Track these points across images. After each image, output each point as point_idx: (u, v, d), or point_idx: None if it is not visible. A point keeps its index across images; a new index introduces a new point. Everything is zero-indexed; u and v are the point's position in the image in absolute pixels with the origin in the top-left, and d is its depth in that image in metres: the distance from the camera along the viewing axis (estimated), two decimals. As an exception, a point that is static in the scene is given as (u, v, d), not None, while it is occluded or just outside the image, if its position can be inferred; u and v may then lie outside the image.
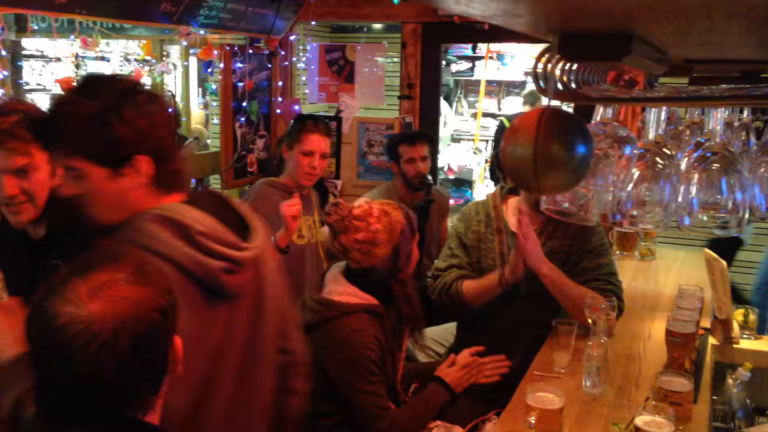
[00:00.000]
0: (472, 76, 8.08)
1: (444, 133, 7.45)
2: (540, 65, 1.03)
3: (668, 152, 1.35)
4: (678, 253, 4.13)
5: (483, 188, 7.71)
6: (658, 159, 1.33)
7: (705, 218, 1.30)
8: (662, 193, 1.30)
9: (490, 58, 7.79)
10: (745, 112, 1.69)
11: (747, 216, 1.30)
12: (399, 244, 2.34)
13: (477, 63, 7.99)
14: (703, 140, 1.39)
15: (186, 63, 6.27)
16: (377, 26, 6.51)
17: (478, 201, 3.10)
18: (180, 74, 6.87)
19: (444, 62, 7.66)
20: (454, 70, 8.13)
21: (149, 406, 1.19)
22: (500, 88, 8.17)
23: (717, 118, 1.34)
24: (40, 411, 1.19)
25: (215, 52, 3.87)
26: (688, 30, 0.84)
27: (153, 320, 1.13)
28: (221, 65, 4.08)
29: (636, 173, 1.31)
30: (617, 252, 3.93)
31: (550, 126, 0.95)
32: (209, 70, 4.91)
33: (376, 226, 2.33)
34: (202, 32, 3.69)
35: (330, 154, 3.46)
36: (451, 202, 7.45)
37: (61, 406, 1.14)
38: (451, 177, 7.83)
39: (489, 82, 7.92)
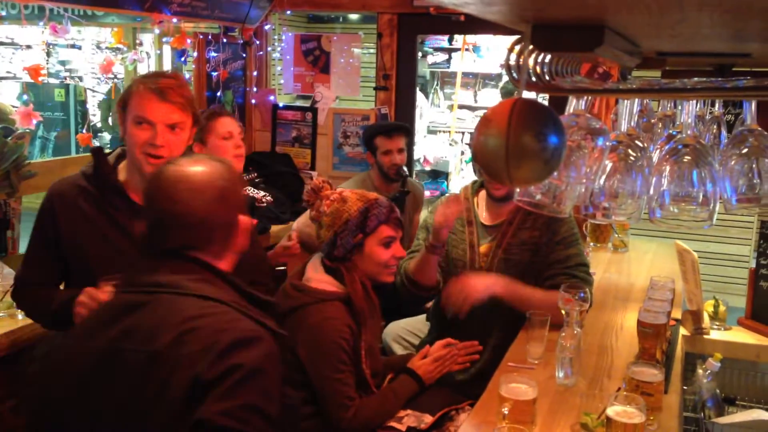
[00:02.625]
0: (448, 67, 8.07)
1: (420, 124, 7.44)
2: (513, 56, 1.03)
3: (640, 144, 1.35)
4: (650, 244, 4.18)
5: (459, 180, 7.72)
6: (630, 151, 1.33)
7: (676, 210, 1.31)
8: (634, 185, 1.31)
9: (467, 50, 7.78)
10: (717, 106, 1.71)
11: (717, 208, 1.31)
12: (339, 233, 2.35)
13: (453, 55, 7.99)
14: (674, 133, 1.40)
15: (159, 51, 6.18)
16: (353, 17, 6.48)
17: (451, 194, 3.12)
18: (154, 63, 6.79)
19: (420, 54, 7.64)
20: (430, 62, 8.11)
21: (221, 255, 1.56)
22: (476, 80, 8.17)
23: (688, 110, 1.35)
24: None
25: (188, 41, 3.82)
26: (659, 21, 0.84)
27: (233, 182, 1.58)
28: (195, 54, 4.03)
29: (608, 165, 1.31)
30: (591, 244, 3.96)
31: (521, 117, 0.94)
32: (182, 59, 4.85)
33: (324, 208, 2.38)
34: (174, 20, 3.64)
35: (293, 143, 3.33)
36: (427, 193, 7.47)
37: (156, 244, 1.52)
38: (428, 168, 7.83)
39: (465, 74, 7.92)
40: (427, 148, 7.75)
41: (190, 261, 1.52)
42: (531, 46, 0.95)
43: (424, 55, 7.98)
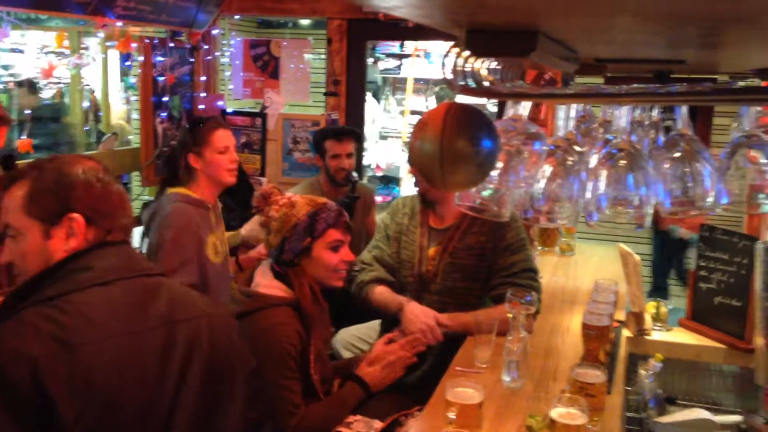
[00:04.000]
0: (399, 73, 8.11)
1: (372, 130, 7.46)
2: (450, 61, 1.04)
3: (578, 149, 1.38)
4: (597, 248, 4.25)
5: (410, 185, 7.76)
6: (567, 156, 1.36)
7: (612, 213, 1.34)
8: (571, 189, 1.33)
9: (417, 56, 7.83)
10: (655, 112, 1.75)
11: (651, 212, 1.35)
12: (287, 237, 2.35)
13: (404, 61, 8.03)
14: (611, 138, 1.43)
15: (103, 56, 6.06)
16: (304, 22, 6.46)
17: (408, 195, 3.15)
18: (100, 67, 6.65)
19: (372, 60, 7.66)
20: (381, 68, 8.14)
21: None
22: (427, 86, 8.22)
23: (622, 115, 1.38)
24: None
25: (133, 45, 3.76)
26: (591, 26, 0.86)
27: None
28: (141, 58, 3.96)
29: (548, 169, 1.33)
30: (539, 248, 4.01)
31: (455, 121, 0.95)
32: (127, 63, 4.77)
33: (273, 213, 2.38)
34: (119, 24, 3.57)
35: (250, 150, 3.35)
36: (379, 199, 7.47)
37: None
38: (379, 174, 7.85)
39: (416, 80, 7.97)
40: (378, 154, 7.77)
41: (126, 244, 1.63)
42: (469, 52, 0.96)
43: (376, 61, 8.00)
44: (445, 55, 1.05)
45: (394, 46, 7.95)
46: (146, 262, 1.67)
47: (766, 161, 1.47)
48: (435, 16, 0.88)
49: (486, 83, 1.07)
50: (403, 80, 8.06)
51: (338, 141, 3.85)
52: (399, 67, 8.11)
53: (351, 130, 4.07)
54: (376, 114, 7.79)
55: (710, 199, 1.37)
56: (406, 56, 7.95)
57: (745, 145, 1.50)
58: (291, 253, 2.36)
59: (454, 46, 1.02)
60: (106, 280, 1.50)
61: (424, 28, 1.16)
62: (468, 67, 1.01)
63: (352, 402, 2.42)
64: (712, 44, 1.14)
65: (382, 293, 2.91)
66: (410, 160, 1.08)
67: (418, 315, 2.73)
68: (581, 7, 0.78)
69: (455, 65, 1.02)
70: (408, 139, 7.91)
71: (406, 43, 7.75)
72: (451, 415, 1.97)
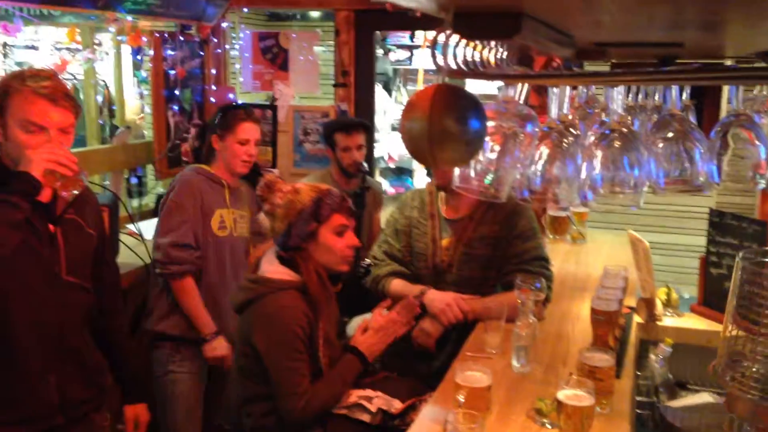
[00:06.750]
0: (410, 64, 8.10)
1: (384, 121, 7.46)
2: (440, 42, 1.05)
3: (574, 131, 1.39)
4: (607, 236, 4.25)
5: (423, 176, 7.76)
6: (562, 138, 1.37)
7: (607, 194, 1.35)
8: (566, 170, 1.34)
9: (428, 46, 7.82)
10: (657, 96, 1.75)
11: (644, 191, 1.36)
12: (293, 223, 2.37)
13: (415, 52, 8.02)
14: (607, 120, 1.44)
15: (116, 50, 6.11)
16: (312, 14, 6.47)
17: (416, 189, 3.18)
18: (113, 62, 6.69)
19: (383, 51, 7.66)
20: (393, 59, 8.13)
21: None
22: (438, 79, 8.23)
23: (614, 96, 1.39)
24: None
25: (144, 39, 3.79)
26: (570, 6, 0.86)
27: None
28: (151, 52, 4.00)
29: (545, 151, 1.35)
30: (550, 236, 4.01)
31: (443, 101, 0.97)
32: (138, 57, 4.80)
33: (278, 200, 2.40)
34: (129, 18, 3.61)
35: (261, 142, 3.44)
36: (392, 190, 7.49)
37: None
38: (392, 165, 7.85)
39: (427, 71, 7.95)
40: (390, 145, 7.77)
41: None
42: (457, 35, 0.97)
43: (387, 52, 7.99)
44: (433, 39, 1.07)
45: (404, 37, 7.94)
46: None
47: (757, 140, 1.47)
48: (422, 0, 0.89)
49: (477, 67, 1.08)
50: (415, 71, 8.05)
51: (348, 134, 3.86)
52: (410, 58, 8.10)
53: (359, 121, 4.07)
54: (387, 105, 7.79)
55: (702, 179, 1.38)
56: (417, 47, 7.94)
57: (735, 124, 1.51)
58: (297, 238, 2.39)
59: (441, 29, 1.04)
60: None
61: (432, 18, 1.18)
62: (460, 51, 1.03)
63: (351, 375, 2.43)
64: (710, 25, 1.15)
65: (399, 285, 2.93)
66: (402, 140, 1.10)
67: (439, 295, 2.79)
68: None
69: (444, 48, 1.04)
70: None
71: (417, 34, 7.73)
72: (461, 397, 2.00)
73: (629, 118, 1.46)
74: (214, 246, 3.17)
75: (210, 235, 3.15)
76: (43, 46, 7.12)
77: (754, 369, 1.35)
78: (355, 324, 3.44)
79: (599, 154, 1.33)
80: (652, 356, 2.65)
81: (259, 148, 3.41)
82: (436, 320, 2.79)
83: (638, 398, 2.58)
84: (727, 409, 1.49)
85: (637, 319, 2.88)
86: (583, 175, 1.33)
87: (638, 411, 2.54)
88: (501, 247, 2.87)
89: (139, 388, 2.60)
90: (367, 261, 3.68)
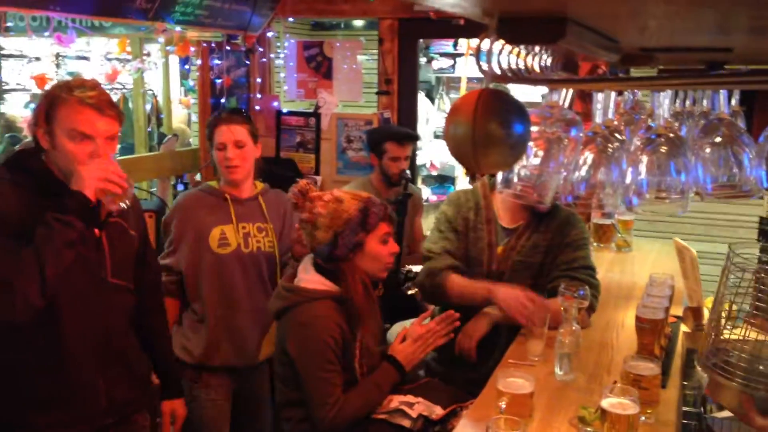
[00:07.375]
0: (453, 72, 8.10)
1: (426, 129, 7.47)
2: (485, 47, 1.06)
3: (619, 136, 1.38)
4: (654, 244, 4.19)
5: (465, 184, 7.74)
6: (607, 143, 1.36)
7: (652, 198, 1.34)
8: (611, 175, 1.34)
9: (471, 54, 7.81)
10: (705, 102, 1.73)
11: (690, 196, 1.34)
12: (341, 232, 2.34)
13: (458, 60, 8.01)
14: (653, 125, 1.42)
15: (163, 60, 6.24)
16: (356, 23, 6.52)
17: (466, 189, 3.07)
18: (161, 72, 6.85)
19: (426, 59, 7.67)
20: (435, 67, 8.14)
21: None
22: (481, 85, 8.20)
23: (661, 102, 1.37)
24: None
25: (191, 49, 3.88)
26: (618, 11, 0.87)
27: None
28: (199, 62, 4.09)
29: (588, 156, 1.34)
30: (594, 244, 3.97)
31: (487, 105, 0.98)
32: (186, 66, 4.91)
33: (320, 210, 2.37)
34: (178, 29, 3.70)
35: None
36: (434, 198, 7.48)
37: None
38: (434, 173, 7.86)
39: (470, 79, 7.94)
40: (433, 153, 7.78)
41: None
42: (502, 40, 0.98)
43: (430, 60, 8.01)
44: (478, 44, 1.07)
45: (447, 45, 7.94)
46: None
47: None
48: (466, 6, 0.90)
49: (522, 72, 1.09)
50: (457, 79, 8.04)
51: (400, 144, 3.86)
52: (453, 66, 8.10)
53: (412, 134, 4.06)
54: (430, 113, 7.80)
55: (750, 184, 1.36)
56: (460, 55, 7.93)
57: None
58: (345, 249, 2.36)
59: (486, 35, 1.04)
60: None
61: (475, 25, 1.19)
62: (504, 58, 1.04)
63: (387, 384, 2.41)
64: (758, 30, 1.13)
65: (460, 279, 2.81)
66: (446, 145, 1.10)
67: (512, 295, 2.67)
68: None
69: (488, 54, 1.04)
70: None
71: (460, 41, 7.73)
72: (502, 404, 1.99)
73: (676, 123, 1.45)
74: (213, 265, 2.94)
75: (208, 254, 2.92)
76: (94, 56, 7.31)
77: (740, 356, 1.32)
78: (395, 331, 3.45)
79: (645, 159, 1.32)
80: (700, 366, 2.59)
81: (300, 155, 3.38)
82: (478, 322, 2.76)
83: (685, 408, 2.53)
84: (709, 394, 1.46)
85: (684, 328, 2.83)
86: (628, 180, 1.33)
87: (684, 421, 2.49)
88: (551, 255, 2.85)
89: (176, 383, 2.63)
90: (407, 267, 3.69)
